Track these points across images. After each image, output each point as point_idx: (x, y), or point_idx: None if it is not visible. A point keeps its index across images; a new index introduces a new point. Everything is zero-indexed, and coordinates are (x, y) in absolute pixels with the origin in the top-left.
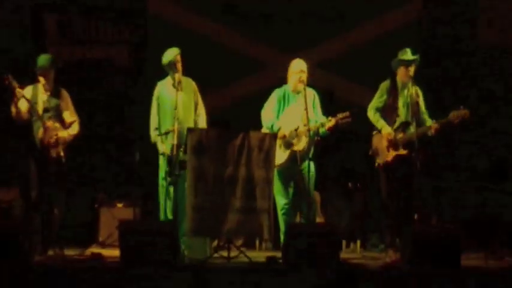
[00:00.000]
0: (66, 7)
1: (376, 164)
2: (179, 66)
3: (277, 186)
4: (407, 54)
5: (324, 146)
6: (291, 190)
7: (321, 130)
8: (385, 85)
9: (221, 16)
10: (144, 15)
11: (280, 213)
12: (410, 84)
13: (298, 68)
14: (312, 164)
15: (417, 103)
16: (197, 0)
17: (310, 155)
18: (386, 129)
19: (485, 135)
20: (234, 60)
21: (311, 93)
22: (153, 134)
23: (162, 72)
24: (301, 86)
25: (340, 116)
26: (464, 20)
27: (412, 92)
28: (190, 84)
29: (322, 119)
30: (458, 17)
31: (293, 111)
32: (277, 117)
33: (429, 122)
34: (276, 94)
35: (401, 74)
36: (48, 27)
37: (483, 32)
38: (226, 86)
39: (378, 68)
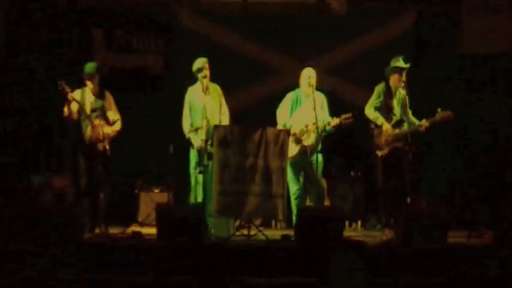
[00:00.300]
0: (110, 21)
1: (380, 155)
2: (207, 73)
3: (290, 175)
4: (401, 62)
5: (330, 140)
6: (301, 178)
7: (327, 128)
8: (381, 87)
9: (243, 28)
10: (176, 28)
11: (292, 197)
12: (401, 88)
13: (307, 75)
14: (320, 156)
15: (406, 104)
16: (222, 16)
17: (319, 149)
18: (386, 126)
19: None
20: (251, 67)
21: (320, 96)
22: (187, 131)
23: (191, 77)
24: (310, 90)
25: (343, 116)
26: (449, 30)
27: (403, 95)
28: (216, 88)
29: (329, 118)
30: (445, 28)
31: (304, 111)
32: (290, 115)
33: (416, 120)
34: (290, 96)
35: (394, 79)
36: (94, 39)
37: (466, 40)
38: (245, 89)
39: (378, 73)
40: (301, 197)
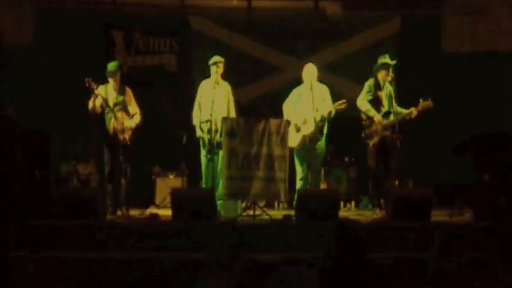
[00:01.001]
0: (130, 25)
1: (371, 144)
2: (220, 69)
3: (296, 160)
4: (387, 59)
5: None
6: (305, 163)
7: (325, 116)
8: (370, 82)
9: (248, 31)
10: (188, 31)
11: (297, 179)
12: (388, 83)
13: (307, 71)
14: (323, 145)
15: (392, 97)
16: (229, 19)
17: (321, 138)
18: (377, 117)
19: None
20: (256, 65)
21: (322, 88)
22: (196, 120)
23: (202, 74)
24: (309, 84)
25: (336, 104)
26: (432, 32)
27: (389, 89)
28: (225, 85)
29: (325, 108)
30: (428, 30)
31: (304, 104)
32: (295, 107)
33: (403, 110)
34: (294, 91)
35: (381, 75)
36: (116, 41)
37: (446, 41)
38: (250, 85)
39: (367, 70)
40: (305, 179)
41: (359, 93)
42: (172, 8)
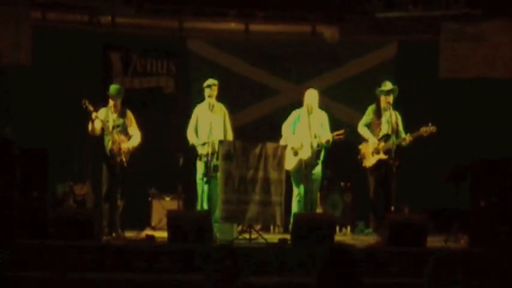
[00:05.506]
0: (128, 47)
1: (363, 165)
2: (213, 92)
3: (293, 183)
4: (386, 86)
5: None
6: (302, 186)
7: (321, 143)
8: (371, 107)
9: (245, 54)
10: (185, 53)
11: (294, 203)
12: (391, 108)
13: (307, 96)
14: (319, 170)
15: (396, 123)
16: (226, 43)
17: (319, 162)
18: (372, 139)
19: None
20: (252, 88)
21: (322, 114)
22: (191, 138)
23: (199, 97)
24: (307, 109)
25: (335, 133)
26: (429, 58)
27: (392, 115)
28: (221, 107)
29: (324, 135)
30: (424, 56)
31: (302, 128)
32: (293, 131)
33: (405, 135)
34: (293, 114)
35: (382, 100)
36: (113, 63)
37: (443, 67)
38: (247, 108)
39: (363, 94)
40: (301, 204)
41: (355, 118)
42: (170, 30)
